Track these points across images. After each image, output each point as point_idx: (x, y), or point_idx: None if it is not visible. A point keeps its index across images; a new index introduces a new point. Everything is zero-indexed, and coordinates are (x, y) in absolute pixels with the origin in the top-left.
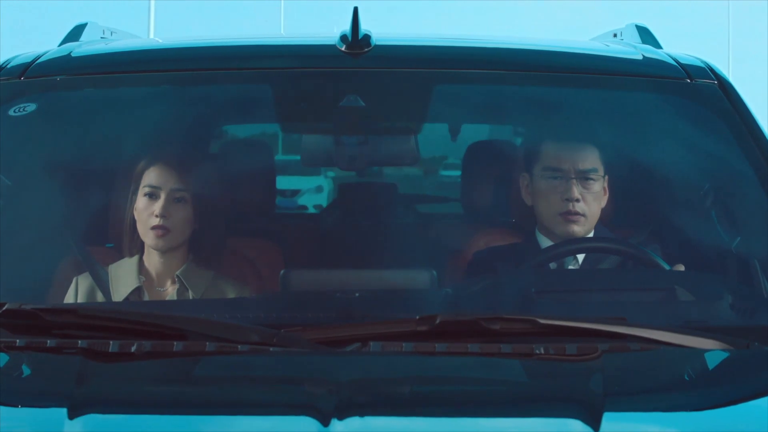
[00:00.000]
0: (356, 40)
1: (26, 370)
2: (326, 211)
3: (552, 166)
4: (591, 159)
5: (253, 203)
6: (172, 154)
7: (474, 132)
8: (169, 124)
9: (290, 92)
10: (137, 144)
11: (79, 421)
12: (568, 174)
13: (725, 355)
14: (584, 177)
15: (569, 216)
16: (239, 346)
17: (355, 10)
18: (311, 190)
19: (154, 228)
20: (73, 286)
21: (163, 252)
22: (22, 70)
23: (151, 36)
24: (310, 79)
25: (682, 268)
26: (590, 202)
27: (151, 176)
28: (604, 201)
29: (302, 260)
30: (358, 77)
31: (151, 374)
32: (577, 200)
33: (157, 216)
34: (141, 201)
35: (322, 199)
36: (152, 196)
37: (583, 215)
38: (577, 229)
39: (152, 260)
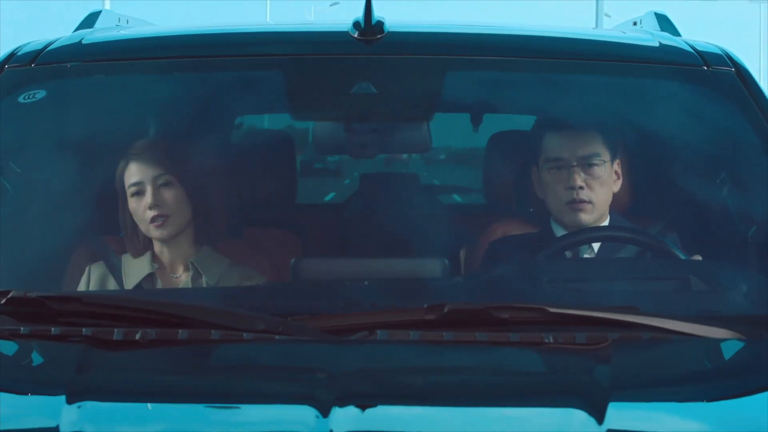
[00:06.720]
0: (369, 26)
1: (29, 358)
2: (348, 202)
3: (553, 156)
4: (592, 144)
5: (273, 193)
6: (142, 145)
7: (488, 121)
8: (175, 111)
9: (301, 79)
10: (119, 141)
11: (78, 407)
12: (570, 162)
13: (738, 345)
14: (586, 163)
15: (575, 204)
16: (244, 335)
17: None
18: None
19: (152, 220)
20: (85, 274)
21: (171, 239)
22: (32, 57)
23: None
24: (321, 66)
25: (699, 259)
26: (596, 189)
27: (130, 175)
28: (616, 186)
29: (319, 250)
30: (370, 64)
31: (153, 362)
32: (581, 188)
33: (150, 208)
34: (131, 202)
35: None
36: (139, 193)
37: (590, 202)
38: (586, 217)
39: (162, 250)
